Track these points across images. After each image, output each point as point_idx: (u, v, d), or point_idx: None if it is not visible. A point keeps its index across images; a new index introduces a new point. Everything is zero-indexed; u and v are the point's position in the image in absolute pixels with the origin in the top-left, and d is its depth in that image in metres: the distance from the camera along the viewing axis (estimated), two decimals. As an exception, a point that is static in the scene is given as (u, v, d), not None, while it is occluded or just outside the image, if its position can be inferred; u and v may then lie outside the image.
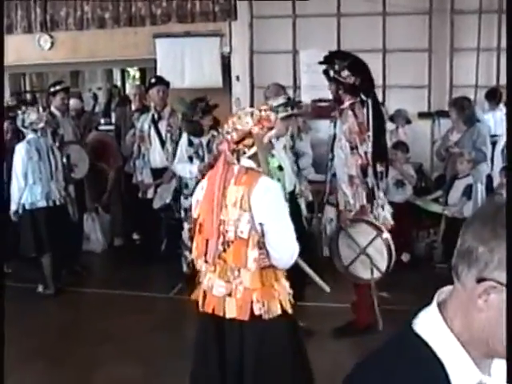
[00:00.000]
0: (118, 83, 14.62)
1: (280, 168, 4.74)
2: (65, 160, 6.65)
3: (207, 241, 3.28)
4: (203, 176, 3.93)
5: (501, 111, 7.38)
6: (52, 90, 7.25)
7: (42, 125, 6.22)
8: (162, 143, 6.91)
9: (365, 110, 4.89)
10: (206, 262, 3.31)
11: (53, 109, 7.12)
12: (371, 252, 4.95)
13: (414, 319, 1.26)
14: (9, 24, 8.83)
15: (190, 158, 6.11)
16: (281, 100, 5.18)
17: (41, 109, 6.71)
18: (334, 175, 5.08)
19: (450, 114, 6.95)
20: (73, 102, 7.77)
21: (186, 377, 3.53)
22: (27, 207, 6.20)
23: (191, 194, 4.62)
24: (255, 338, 3.25)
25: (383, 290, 5.61)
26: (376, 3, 7.82)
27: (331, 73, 4.95)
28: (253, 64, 8.42)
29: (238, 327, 3.24)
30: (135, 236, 8.08)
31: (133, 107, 7.95)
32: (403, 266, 6.76)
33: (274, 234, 3.20)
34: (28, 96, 11.42)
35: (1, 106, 7.06)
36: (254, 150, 3.28)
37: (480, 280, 1.15)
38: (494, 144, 7.07)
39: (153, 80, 7.23)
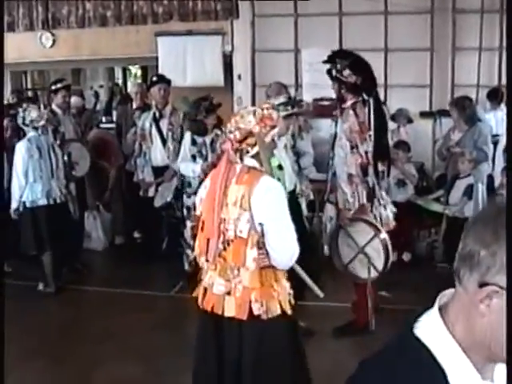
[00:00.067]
0: (120, 81, 14.62)
1: (280, 167, 4.73)
2: (66, 158, 6.64)
3: (208, 240, 3.28)
4: (206, 175, 3.93)
5: (502, 111, 7.37)
6: (53, 87, 7.24)
7: (42, 122, 6.21)
8: (164, 141, 6.91)
9: (366, 110, 4.89)
10: (207, 260, 3.32)
11: (54, 107, 7.11)
12: (369, 251, 4.96)
13: (415, 322, 1.25)
14: (10, 22, 8.83)
15: (194, 157, 6.10)
16: (281, 99, 5.17)
17: (42, 106, 6.71)
18: (335, 174, 5.08)
19: (452, 113, 6.93)
20: (74, 100, 7.76)
21: (186, 375, 3.53)
22: (28, 205, 6.19)
23: (194, 193, 4.62)
24: (254, 337, 3.24)
25: (384, 290, 5.62)
26: (378, 2, 7.81)
27: (334, 72, 4.96)
28: (254, 63, 8.42)
29: (237, 326, 3.24)
30: (136, 234, 8.08)
31: (134, 105, 7.95)
32: (404, 266, 6.77)
33: (274, 235, 3.18)
34: (29, 94, 11.42)
35: (1, 104, 7.05)
36: (257, 149, 3.27)
37: (482, 284, 1.14)
38: (495, 144, 7.06)
39: (154, 78, 7.23)
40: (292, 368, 3.37)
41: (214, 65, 8.56)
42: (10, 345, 3.89)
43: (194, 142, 6.12)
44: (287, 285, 3.34)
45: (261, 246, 3.20)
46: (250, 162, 3.27)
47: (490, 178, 6.81)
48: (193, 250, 3.76)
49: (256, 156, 3.28)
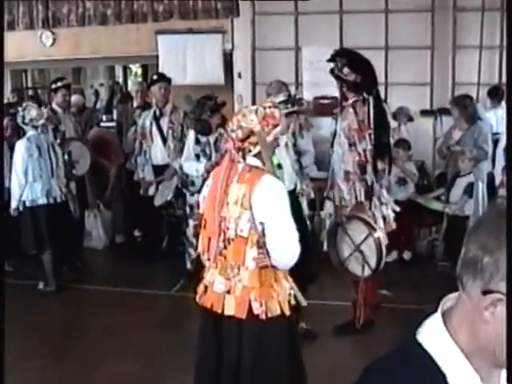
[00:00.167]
0: (120, 80, 14.62)
1: (279, 166, 4.72)
2: (66, 157, 6.64)
3: (209, 238, 3.28)
4: (209, 174, 3.92)
5: (503, 109, 7.35)
6: (53, 86, 7.23)
7: (42, 121, 6.20)
8: (164, 140, 6.90)
9: (366, 108, 4.88)
10: (209, 259, 3.31)
11: (54, 105, 7.10)
12: (364, 249, 4.96)
13: (418, 327, 1.24)
14: (11, 20, 8.82)
15: (197, 156, 6.08)
16: (281, 97, 5.16)
17: (44, 105, 6.70)
18: (334, 171, 5.09)
19: (452, 111, 6.93)
20: (74, 99, 7.75)
21: (187, 374, 3.53)
22: (28, 204, 6.19)
23: (198, 192, 4.61)
24: (253, 337, 3.24)
25: (385, 288, 5.61)
26: (378, 0, 7.80)
27: (335, 70, 4.96)
28: (255, 61, 8.40)
29: (236, 325, 3.23)
30: (137, 233, 8.08)
31: (135, 104, 7.95)
32: (405, 264, 6.77)
33: (275, 234, 3.16)
34: (30, 92, 11.42)
35: (0, 103, 7.05)
36: (259, 147, 3.26)
37: (486, 292, 1.13)
38: (495, 142, 7.05)
39: (155, 77, 7.23)
40: (290, 368, 3.36)
41: (214, 63, 8.55)
42: (10, 344, 3.88)
43: (197, 141, 6.10)
44: (287, 285, 3.32)
45: (261, 245, 3.19)
46: (252, 160, 3.26)
47: (491, 176, 6.80)
48: (195, 248, 3.75)
49: (258, 155, 3.27)
